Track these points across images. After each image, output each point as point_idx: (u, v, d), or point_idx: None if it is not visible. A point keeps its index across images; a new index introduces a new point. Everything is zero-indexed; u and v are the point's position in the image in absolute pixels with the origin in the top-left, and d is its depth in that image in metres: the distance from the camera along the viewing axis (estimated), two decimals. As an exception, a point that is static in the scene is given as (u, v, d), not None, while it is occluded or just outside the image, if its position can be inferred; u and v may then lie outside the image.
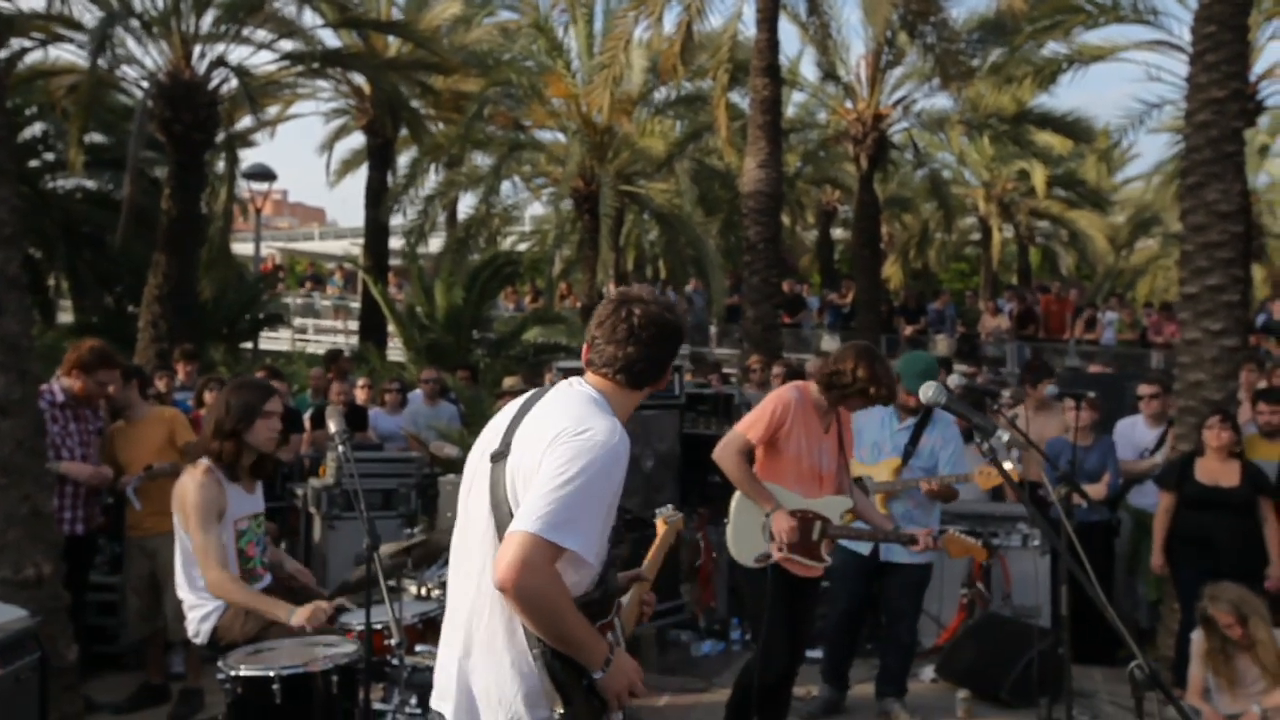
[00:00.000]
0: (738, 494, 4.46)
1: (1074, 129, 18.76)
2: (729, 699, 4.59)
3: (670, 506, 3.35)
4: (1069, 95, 70.84)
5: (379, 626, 3.87)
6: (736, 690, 4.56)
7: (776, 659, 4.43)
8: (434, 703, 2.40)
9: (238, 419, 4.09)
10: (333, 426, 3.80)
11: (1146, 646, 6.19)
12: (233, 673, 3.56)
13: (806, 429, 4.37)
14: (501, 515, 2.21)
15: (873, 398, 4.33)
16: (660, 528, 3.20)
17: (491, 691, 2.23)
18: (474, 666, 2.27)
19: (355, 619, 4.07)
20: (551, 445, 2.16)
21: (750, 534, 4.41)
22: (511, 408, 2.41)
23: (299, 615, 3.83)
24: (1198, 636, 5.12)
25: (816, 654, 6.14)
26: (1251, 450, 6.02)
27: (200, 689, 5.40)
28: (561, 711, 2.16)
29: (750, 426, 4.37)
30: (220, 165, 16.08)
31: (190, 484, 4.04)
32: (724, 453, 4.37)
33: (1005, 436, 3.04)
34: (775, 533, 4.29)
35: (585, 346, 2.45)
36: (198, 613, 4.03)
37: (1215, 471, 5.82)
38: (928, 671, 5.99)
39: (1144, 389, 7.18)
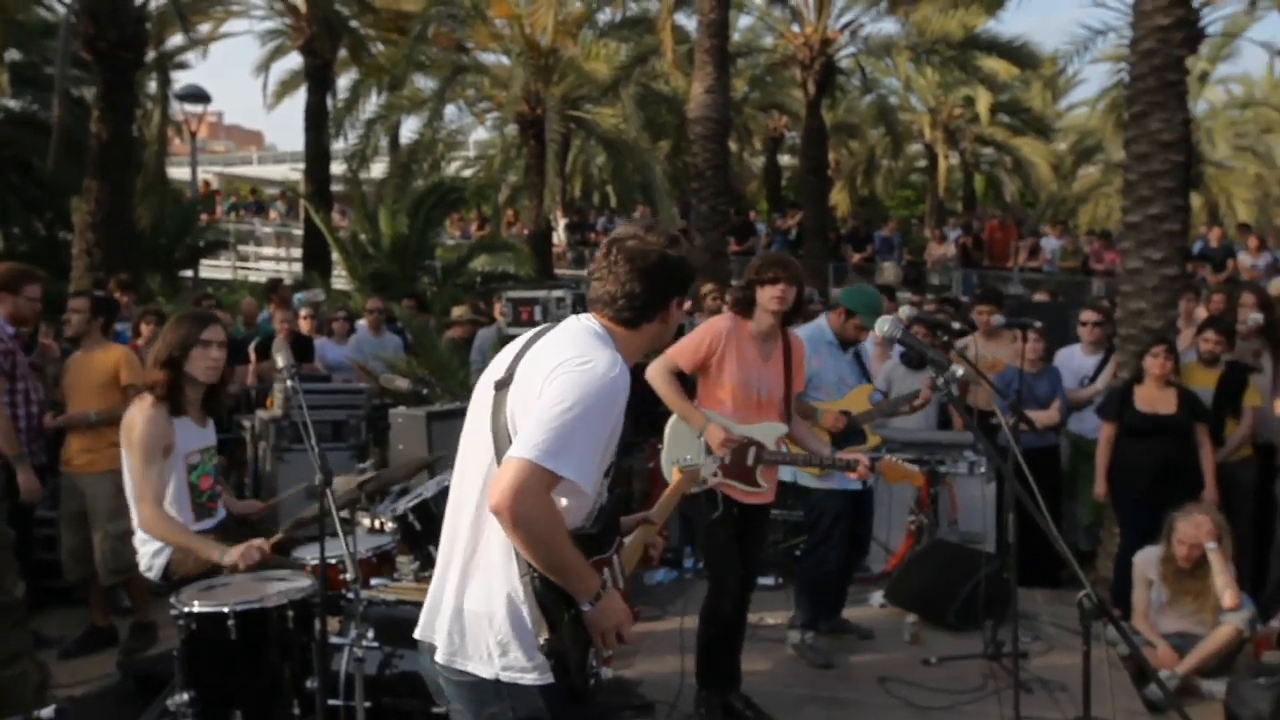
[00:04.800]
0: (673, 418, 4.53)
1: (1019, 55, 18.74)
2: (698, 636, 4.51)
3: (690, 457, 3.29)
4: (1015, 21, 70.69)
5: (333, 561, 3.87)
6: (703, 624, 4.50)
7: (730, 588, 4.45)
8: (420, 632, 2.41)
9: (173, 350, 4.03)
10: (280, 361, 3.71)
11: (1086, 569, 6.38)
12: (186, 609, 3.53)
13: (739, 357, 4.43)
14: (501, 442, 2.24)
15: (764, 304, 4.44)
16: (675, 475, 3.17)
17: (483, 614, 2.26)
18: (469, 589, 2.30)
19: (310, 553, 4.04)
20: (552, 374, 2.18)
21: (681, 451, 4.45)
22: (521, 339, 2.41)
23: (231, 554, 3.78)
24: (1145, 557, 5.27)
25: (768, 581, 6.27)
26: (1188, 377, 6.17)
27: (153, 622, 5.36)
28: (547, 637, 2.19)
29: (679, 353, 4.45)
30: (151, 86, 15.54)
31: (138, 416, 3.97)
32: (654, 373, 4.46)
33: (959, 371, 3.07)
34: (710, 444, 4.34)
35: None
36: (150, 548, 3.97)
37: (1154, 399, 5.96)
38: (876, 597, 6.12)
39: (1086, 315, 7.28)
